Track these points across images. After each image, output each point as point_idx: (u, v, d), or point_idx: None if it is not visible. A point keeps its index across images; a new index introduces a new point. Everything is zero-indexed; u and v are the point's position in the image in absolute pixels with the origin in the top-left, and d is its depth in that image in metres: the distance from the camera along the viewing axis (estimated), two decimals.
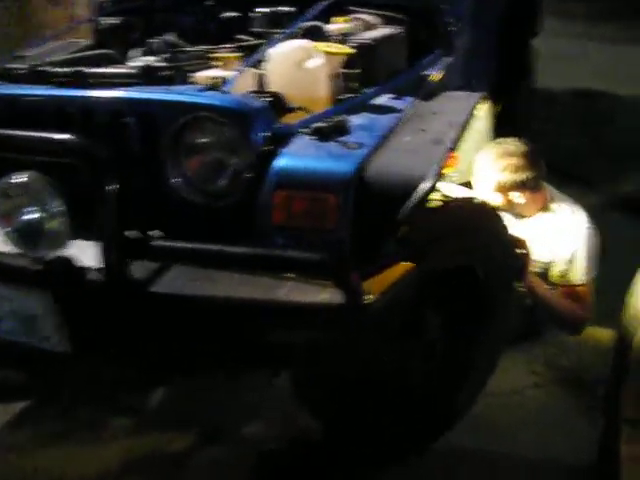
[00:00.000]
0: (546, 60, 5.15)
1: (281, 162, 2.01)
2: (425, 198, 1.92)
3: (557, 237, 2.89)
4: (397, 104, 2.38)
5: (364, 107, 2.33)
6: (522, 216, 2.94)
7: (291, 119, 2.16)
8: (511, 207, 2.87)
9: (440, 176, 2.00)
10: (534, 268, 2.82)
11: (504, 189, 2.85)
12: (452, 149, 2.10)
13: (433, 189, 1.94)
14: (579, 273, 2.90)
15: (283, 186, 1.98)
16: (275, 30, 2.66)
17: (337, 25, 2.76)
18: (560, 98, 5.63)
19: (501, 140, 2.87)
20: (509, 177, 2.82)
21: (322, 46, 2.38)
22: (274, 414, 2.65)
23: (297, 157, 2.02)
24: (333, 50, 2.34)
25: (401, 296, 1.99)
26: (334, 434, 2.44)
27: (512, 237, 2.53)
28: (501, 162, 2.82)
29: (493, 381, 2.55)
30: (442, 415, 2.45)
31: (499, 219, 2.47)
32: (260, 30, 2.83)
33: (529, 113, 4.50)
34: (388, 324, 2.03)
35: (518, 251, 2.57)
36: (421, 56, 2.75)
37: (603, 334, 2.95)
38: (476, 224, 2.32)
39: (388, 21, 2.86)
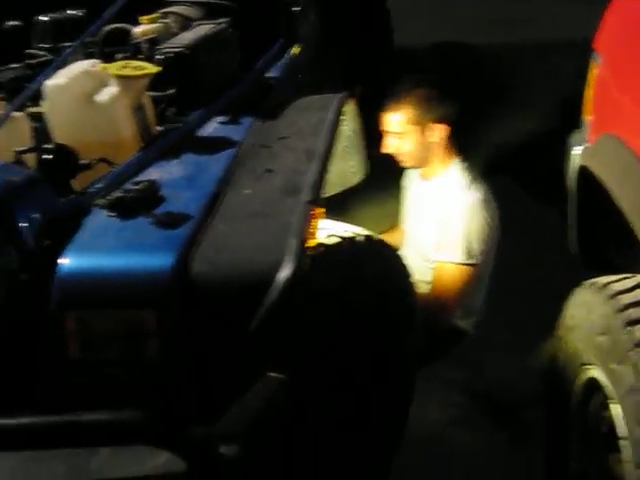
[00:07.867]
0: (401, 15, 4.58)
1: (65, 265, 1.33)
2: (286, 293, 1.28)
3: (438, 201, 2.45)
4: (230, 133, 1.73)
5: (184, 147, 1.66)
6: (425, 177, 2.53)
7: (87, 180, 1.57)
8: (416, 159, 2.48)
9: (303, 250, 1.35)
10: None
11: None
12: (315, 201, 1.44)
13: (296, 277, 1.29)
14: (451, 248, 2.35)
15: (73, 304, 1.31)
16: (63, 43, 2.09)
17: (142, 27, 2.07)
18: (420, 54, 5.16)
19: None
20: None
21: (115, 67, 1.69)
22: None
23: (89, 254, 1.35)
24: (129, 73, 1.64)
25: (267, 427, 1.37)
26: None
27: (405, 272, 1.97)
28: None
29: (410, 422, 2.15)
30: None
31: (389, 257, 1.88)
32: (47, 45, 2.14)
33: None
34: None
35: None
36: (259, 52, 2.12)
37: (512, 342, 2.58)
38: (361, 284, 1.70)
39: (210, 11, 2.24)
